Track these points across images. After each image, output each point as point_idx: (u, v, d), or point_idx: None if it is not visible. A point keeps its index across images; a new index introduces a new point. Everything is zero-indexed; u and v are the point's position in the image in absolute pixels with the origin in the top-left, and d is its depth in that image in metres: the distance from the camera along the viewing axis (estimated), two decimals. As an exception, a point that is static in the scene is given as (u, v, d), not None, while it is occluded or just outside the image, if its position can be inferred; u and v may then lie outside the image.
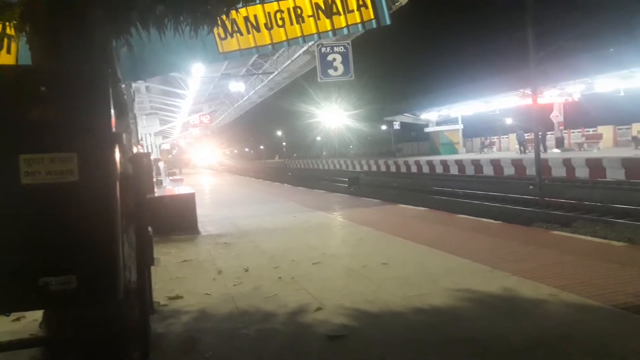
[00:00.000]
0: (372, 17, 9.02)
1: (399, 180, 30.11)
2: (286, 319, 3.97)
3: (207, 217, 10.43)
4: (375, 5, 8.88)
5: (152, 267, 3.68)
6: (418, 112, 42.49)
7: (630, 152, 20.98)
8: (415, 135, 50.87)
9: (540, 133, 21.91)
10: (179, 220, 8.80)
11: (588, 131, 29.90)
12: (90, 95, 2.56)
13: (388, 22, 9.16)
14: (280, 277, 5.25)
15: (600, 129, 28.96)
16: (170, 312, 4.27)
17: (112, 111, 2.70)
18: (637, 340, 3.23)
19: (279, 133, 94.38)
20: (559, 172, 22.21)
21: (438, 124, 42.26)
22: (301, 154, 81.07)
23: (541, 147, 21.41)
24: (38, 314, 3.71)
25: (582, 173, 20.90)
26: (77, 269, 2.44)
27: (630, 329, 3.41)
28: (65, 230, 2.46)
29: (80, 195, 2.46)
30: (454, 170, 29.98)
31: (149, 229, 3.50)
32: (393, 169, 38.19)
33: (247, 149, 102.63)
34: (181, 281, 5.36)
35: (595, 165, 20.23)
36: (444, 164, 31.22)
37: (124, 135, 3.26)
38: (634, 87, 25.53)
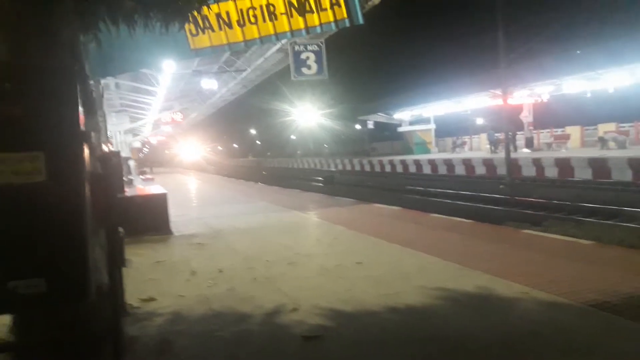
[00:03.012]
0: (345, 16, 9.03)
1: (373, 179, 30.28)
2: (262, 320, 3.94)
3: (179, 217, 10.27)
4: (348, 4, 8.89)
5: (124, 269, 3.60)
6: (391, 112, 42.79)
7: (596, 153, 21.56)
8: (388, 134, 51.21)
9: (510, 133, 22.32)
10: (150, 220, 8.63)
11: (556, 131, 30.61)
12: (58, 92, 2.48)
13: (361, 21, 9.19)
14: (255, 278, 5.21)
15: (568, 130, 29.67)
16: (143, 315, 4.18)
17: (81, 109, 2.62)
18: (603, 335, 3.31)
19: (253, 131, 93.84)
20: (529, 171, 22.67)
21: (411, 123, 42.63)
22: (275, 153, 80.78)
23: (511, 147, 21.83)
24: (6, 319, 3.58)
25: (551, 172, 21.38)
26: (45, 271, 2.36)
27: (597, 324, 3.50)
28: (33, 232, 2.37)
29: (48, 195, 2.38)
30: (426, 170, 30.30)
31: (120, 229, 3.42)
32: (367, 168, 38.38)
33: (219, 148, 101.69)
34: (154, 283, 5.26)
35: (564, 165, 20.72)
36: (417, 163, 31.53)
37: (93, 134, 3.17)
38: (599, 88, 26.25)
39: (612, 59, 21.71)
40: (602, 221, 11.54)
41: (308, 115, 45.56)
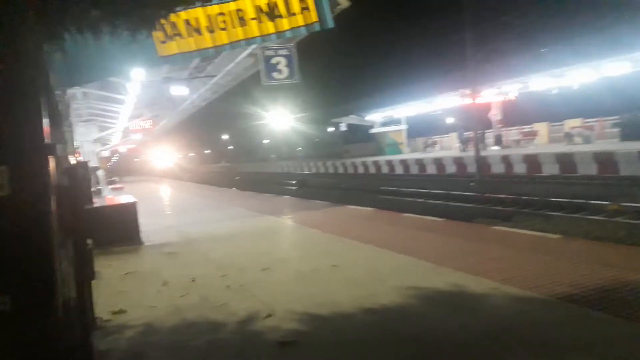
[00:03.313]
0: (315, 19, 9.06)
1: (347, 181, 30.41)
2: (236, 327, 3.93)
3: (150, 226, 10.11)
4: (318, 8, 8.93)
5: (93, 281, 3.55)
6: (364, 114, 43.08)
7: (563, 148, 22.13)
8: (361, 136, 51.51)
9: (479, 131, 22.73)
10: (120, 230, 8.48)
11: (524, 128, 31.30)
12: (21, 105, 2.44)
13: (331, 25, 9.23)
14: (228, 286, 5.17)
15: (536, 126, 30.38)
16: (114, 328, 4.12)
17: (45, 121, 2.58)
18: (571, 327, 3.41)
19: (226, 137, 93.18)
20: (498, 168, 23.12)
21: (383, 125, 43.00)
22: (249, 158, 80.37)
23: (480, 145, 22.22)
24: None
25: (520, 169, 21.84)
26: (10, 288, 2.31)
27: (565, 316, 3.60)
28: (-4, 248, 2.32)
29: (12, 210, 2.33)
30: (399, 170, 30.59)
31: (88, 241, 3.36)
32: (341, 170, 38.52)
33: (191, 154, 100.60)
34: (125, 294, 5.18)
35: (532, 161, 21.20)
36: (390, 164, 31.80)
37: (59, 145, 3.12)
38: (565, 85, 26.95)
39: (576, 56, 22.32)
40: (569, 215, 11.85)
41: (281, 119, 45.52)
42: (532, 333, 3.36)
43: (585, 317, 3.55)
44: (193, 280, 5.51)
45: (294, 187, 26.86)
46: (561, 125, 28.89)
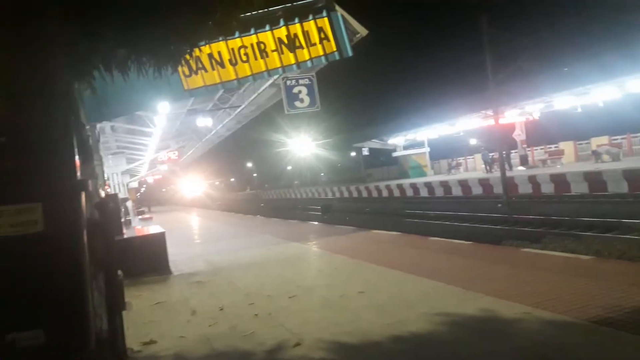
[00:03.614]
0: (335, 49, 9.24)
1: (371, 205, 30.28)
2: (264, 357, 3.91)
3: (178, 256, 10.23)
4: (337, 37, 9.11)
5: (124, 312, 3.59)
6: (385, 138, 43.12)
7: (591, 166, 21.68)
8: (384, 160, 51.47)
9: (504, 152, 22.48)
10: (149, 260, 8.60)
11: (550, 148, 30.83)
12: (54, 144, 2.53)
13: (350, 53, 9.39)
14: (256, 314, 5.17)
15: (562, 145, 29.92)
16: (144, 358, 4.15)
17: (77, 157, 2.67)
18: (606, 351, 3.31)
19: (249, 164, 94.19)
20: (525, 188, 22.74)
21: (405, 148, 42.93)
22: (273, 184, 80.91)
23: (506, 166, 21.94)
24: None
25: (547, 189, 21.45)
26: (45, 323, 2.36)
27: (600, 341, 3.49)
28: (31, 283, 2.39)
29: (46, 246, 2.41)
30: (423, 193, 30.36)
31: (119, 272, 3.43)
32: (365, 194, 38.43)
33: (217, 182, 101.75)
34: (154, 324, 5.22)
35: (560, 181, 20.81)
36: (414, 186, 31.61)
37: (90, 180, 3.22)
38: (589, 103, 26.58)
39: (600, 73, 22.04)
40: (601, 235, 11.54)
41: (304, 146, 45.87)
42: (567, 359, 3.26)
43: (622, 341, 3.43)
44: (221, 309, 5.53)
45: (319, 213, 26.85)
46: (587, 143, 28.39)
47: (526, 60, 22.59)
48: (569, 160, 28.61)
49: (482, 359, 3.41)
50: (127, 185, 31.13)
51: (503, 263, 6.41)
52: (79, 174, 2.68)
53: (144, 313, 5.75)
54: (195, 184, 65.23)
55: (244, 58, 8.99)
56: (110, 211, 3.25)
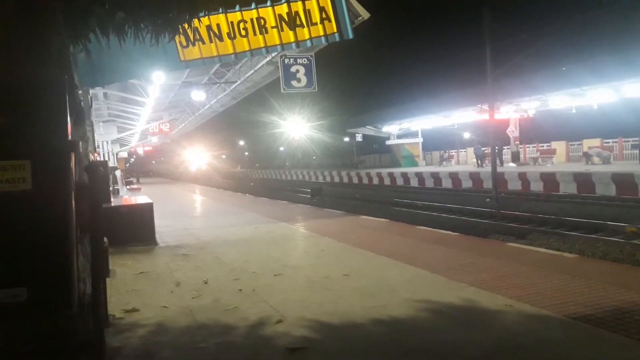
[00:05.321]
0: (335, 30, 9.14)
1: (361, 191, 30.34)
2: (246, 332, 3.93)
3: (165, 228, 10.21)
4: (338, 19, 9.00)
5: (108, 279, 3.58)
6: (380, 125, 43.10)
7: (581, 167, 21.85)
8: (377, 147, 51.50)
9: (497, 147, 22.56)
10: (135, 230, 8.58)
11: (542, 146, 31.01)
12: (46, 102, 2.48)
13: (351, 35, 9.29)
14: (240, 290, 5.18)
15: (554, 145, 30.10)
16: (126, 326, 4.15)
17: (69, 118, 2.63)
18: (585, 347, 3.35)
19: (242, 142, 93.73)
20: (514, 185, 22.90)
21: (399, 137, 42.95)
22: (264, 164, 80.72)
23: (497, 161, 22.05)
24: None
25: (536, 187, 21.61)
26: (28, 281, 2.34)
27: (579, 337, 3.54)
28: (17, 241, 2.36)
29: (33, 204, 2.38)
30: (414, 183, 30.46)
31: (105, 239, 3.40)
32: (355, 180, 38.47)
33: (207, 159, 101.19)
34: (138, 293, 5.22)
35: (549, 179, 20.96)
36: (405, 176, 31.69)
37: (80, 143, 3.17)
38: (584, 104, 26.70)
39: (596, 76, 22.11)
40: (586, 235, 11.66)
41: (297, 128, 45.71)
42: (545, 352, 3.31)
43: (600, 339, 3.48)
44: (205, 283, 5.54)
45: (308, 195, 26.86)
46: (579, 144, 28.59)
47: (524, 57, 22.56)
48: (560, 160, 28.81)
49: (462, 347, 3.44)
50: (117, 154, 30.87)
51: (488, 255, 6.47)
52: (70, 134, 2.64)
53: (127, 282, 5.74)
54: (186, 158, 64.94)
55: (243, 33, 8.87)
56: (99, 176, 3.20)
